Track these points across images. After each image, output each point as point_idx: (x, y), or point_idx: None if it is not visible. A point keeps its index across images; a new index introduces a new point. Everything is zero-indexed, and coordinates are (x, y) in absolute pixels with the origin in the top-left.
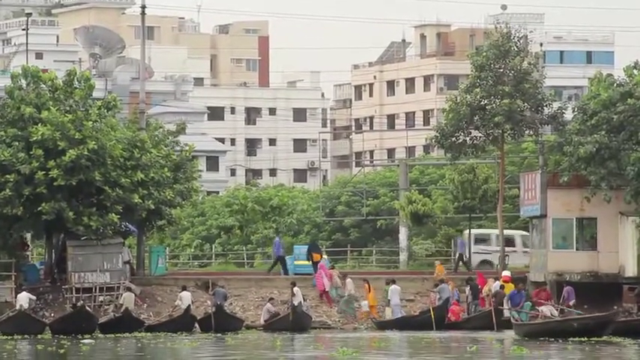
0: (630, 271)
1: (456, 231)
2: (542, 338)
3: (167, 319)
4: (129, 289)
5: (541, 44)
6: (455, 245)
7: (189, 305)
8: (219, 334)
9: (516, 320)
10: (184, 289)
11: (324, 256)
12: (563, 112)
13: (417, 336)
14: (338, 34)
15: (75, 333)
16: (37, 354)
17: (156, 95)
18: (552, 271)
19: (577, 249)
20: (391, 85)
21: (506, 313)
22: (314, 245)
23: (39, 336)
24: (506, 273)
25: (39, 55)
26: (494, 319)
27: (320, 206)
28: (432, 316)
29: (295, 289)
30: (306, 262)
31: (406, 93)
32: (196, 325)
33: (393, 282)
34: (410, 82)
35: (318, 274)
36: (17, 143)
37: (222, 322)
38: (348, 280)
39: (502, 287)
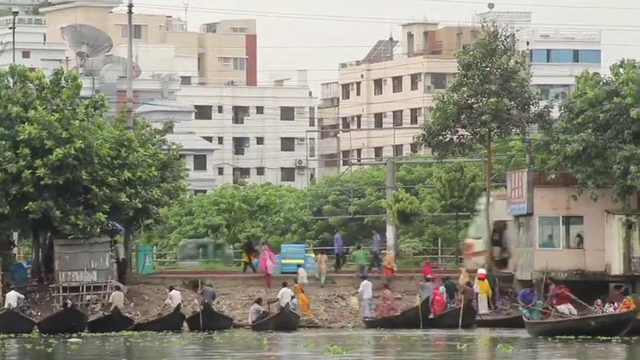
0: (617, 269)
1: (444, 229)
2: (556, 337)
3: (156, 318)
4: (118, 288)
5: (527, 43)
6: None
7: (179, 304)
8: (207, 333)
9: (528, 319)
10: (172, 289)
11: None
12: (550, 111)
13: (404, 335)
14: (325, 33)
15: (64, 332)
16: (25, 353)
17: (143, 94)
18: (539, 270)
19: (563, 247)
20: (378, 83)
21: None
22: (249, 245)
23: (27, 335)
24: (481, 270)
25: (26, 54)
26: (460, 316)
27: (307, 205)
28: (421, 315)
29: (284, 289)
30: (293, 261)
31: (393, 91)
32: (184, 323)
33: (364, 278)
34: (397, 81)
35: (262, 256)
36: (4, 142)
37: (210, 321)
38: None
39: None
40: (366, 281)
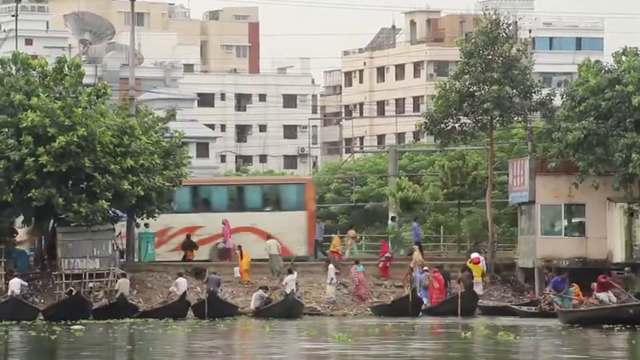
0: (618, 257)
1: (446, 217)
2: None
3: (162, 305)
4: (124, 275)
5: (530, 30)
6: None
7: (185, 292)
8: (212, 320)
9: (560, 307)
10: (180, 276)
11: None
12: (552, 99)
13: (408, 322)
14: (328, 21)
15: (69, 319)
16: (29, 340)
17: (146, 81)
18: (541, 257)
19: (565, 235)
20: (381, 71)
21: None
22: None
23: (30, 322)
24: (474, 255)
25: (29, 42)
26: (459, 304)
27: None
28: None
29: (289, 276)
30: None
31: (396, 79)
32: (190, 311)
33: (329, 263)
34: (400, 69)
35: (224, 232)
36: (7, 130)
37: (215, 309)
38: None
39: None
40: (331, 265)
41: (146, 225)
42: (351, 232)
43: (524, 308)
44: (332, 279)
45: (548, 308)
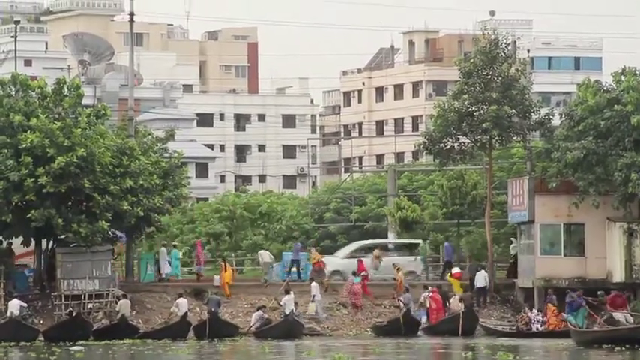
0: (618, 277)
1: (445, 237)
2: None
3: (163, 326)
4: (125, 296)
5: (528, 50)
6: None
7: (185, 312)
8: (213, 341)
9: (574, 326)
10: (180, 296)
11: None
12: (551, 118)
13: (409, 342)
14: (327, 41)
15: (69, 340)
16: None
17: (145, 102)
18: (540, 277)
19: (565, 255)
20: (380, 91)
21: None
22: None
23: (30, 343)
24: (456, 269)
25: (28, 62)
26: (460, 323)
27: (309, 212)
28: (402, 323)
29: (287, 297)
30: (294, 269)
31: (395, 99)
32: (191, 331)
33: (312, 280)
34: (398, 89)
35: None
36: (6, 151)
37: (217, 329)
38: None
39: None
40: (314, 283)
41: (174, 246)
42: (376, 252)
43: (499, 327)
44: (314, 295)
45: (525, 328)
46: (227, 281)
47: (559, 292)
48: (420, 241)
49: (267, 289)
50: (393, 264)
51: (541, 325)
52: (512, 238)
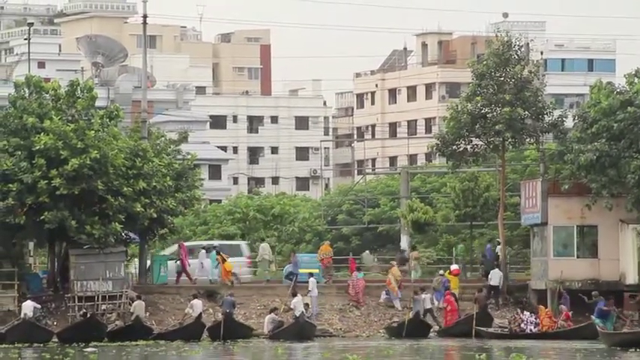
0: (631, 279)
1: (460, 239)
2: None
3: (177, 327)
4: (139, 297)
5: (541, 52)
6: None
7: (200, 313)
8: (227, 343)
9: (602, 329)
10: (195, 297)
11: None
12: (564, 120)
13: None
14: (340, 43)
15: (84, 341)
16: None
17: (158, 104)
18: (553, 279)
19: (578, 256)
20: (393, 93)
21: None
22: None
23: (44, 345)
24: (454, 266)
25: (41, 65)
26: (473, 326)
27: (322, 214)
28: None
29: (295, 299)
30: (307, 270)
31: (408, 101)
32: (205, 332)
33: (311, 275)
34: (412, 91)
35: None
36: (20, 152)
37: (231, 330)
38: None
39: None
40: (312, 279)
41: (214, 247)
42: (415, 254)
43: (491, 330)
44: (309, 290)
45: (518, 330)
46: (229, 269)
47: (572, 294)
48: (240, 242)
49: (279, 290)
50: (390, 262)
51: (534, 327)
52: (497, 239)
